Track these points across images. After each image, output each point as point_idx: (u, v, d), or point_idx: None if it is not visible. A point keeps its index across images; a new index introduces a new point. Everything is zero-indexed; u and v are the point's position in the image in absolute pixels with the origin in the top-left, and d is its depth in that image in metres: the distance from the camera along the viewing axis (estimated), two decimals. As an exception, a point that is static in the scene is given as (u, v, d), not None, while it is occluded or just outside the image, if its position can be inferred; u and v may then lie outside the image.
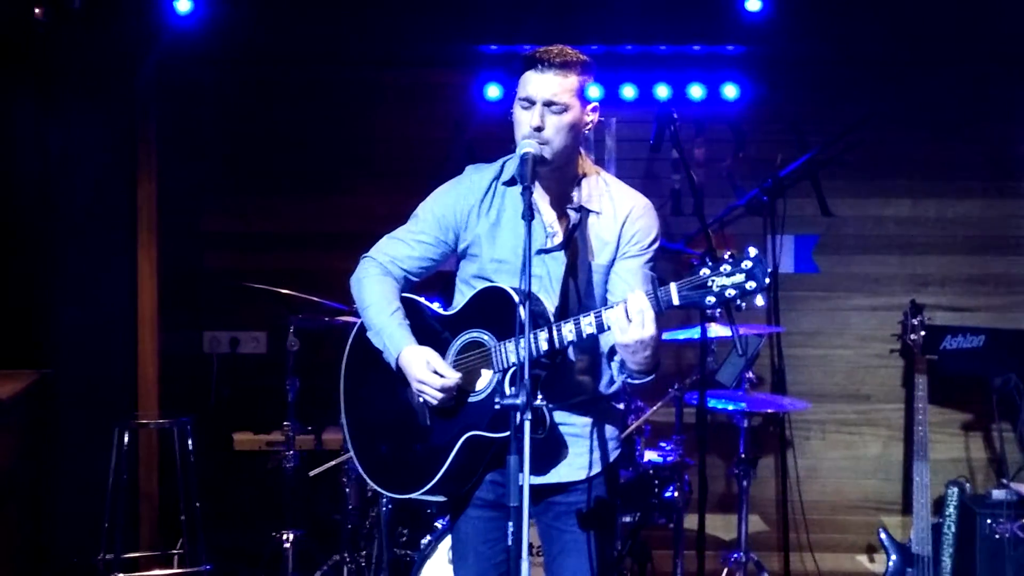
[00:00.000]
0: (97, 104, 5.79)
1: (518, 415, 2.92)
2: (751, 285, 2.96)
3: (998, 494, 5.56)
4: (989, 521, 5.46)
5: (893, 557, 5.54)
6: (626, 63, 6.22)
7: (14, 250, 5.81)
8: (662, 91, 6.19)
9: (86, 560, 5.47)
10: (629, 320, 3.03)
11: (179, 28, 5.73)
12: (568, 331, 3.17)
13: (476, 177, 3.50)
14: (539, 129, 3.25)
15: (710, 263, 2.99)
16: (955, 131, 6.28)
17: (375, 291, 3.51)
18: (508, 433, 2.96)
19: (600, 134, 6.26)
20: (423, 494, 3.43)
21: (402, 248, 3.54)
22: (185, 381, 6.25)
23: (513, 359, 3.23)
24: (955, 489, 5.56)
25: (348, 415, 3.69)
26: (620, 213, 3.39)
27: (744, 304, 3.02)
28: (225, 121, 6.36)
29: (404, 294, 3.55)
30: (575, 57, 3.30)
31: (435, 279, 3.73)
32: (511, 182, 3.43)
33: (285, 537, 5.43)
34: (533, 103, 3.27)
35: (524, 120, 3.28)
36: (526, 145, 3.23)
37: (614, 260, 3.39)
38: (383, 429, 3.57)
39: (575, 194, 3.40)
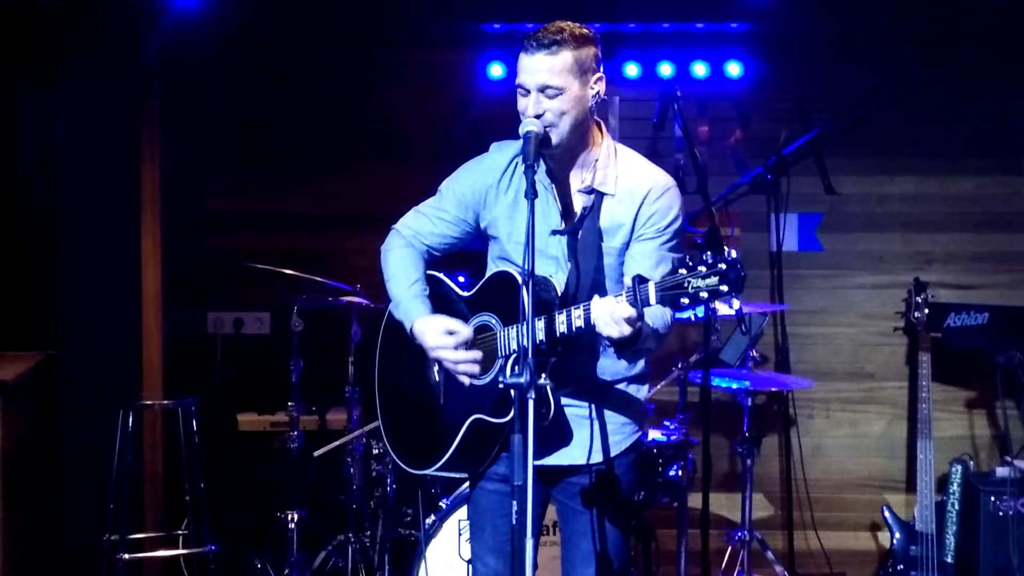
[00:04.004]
0: (100, 85, 5.76)
1: (523, 394, 2.92)
2: (724, 288, 2.90)
3: (1002, 472, 5.57)
4: (993, 499, 5.47)
5: (897, 535, 5.56)
6: (629, 41, 6.19)
7: (18, 232, 5.79)
8: (665, 69, 6.17)
9: (92, 541, 5.48)
10: (610, 317, 3.02)
11: (182, 9, 5.71)
12: (561, 323, 3.16)
13: (497, 156, 3.47)
14: (539, 116, 3.22)
15: (689, 262, 2.95)
16: (959, 108, 6.26)
17: (396, 263, 3.55)
18: (508, 418, 2.97)
19: (603, 113, 6.23)
20: (437, 471, 3.47)
21: (424, 223, 3.56)
22: (189, 362, 6.26)
23: (514, 345, 3.24)
24: (959, 467, 5.57)
25: (381, 391, 3.76)
26: (637, 194, 3.34)
27: (715, 306, 3.03)
28: (228, 102, 6.35)
29: (430, 272, 3.58)
30: (569, 33, 3.22)
31: (467, 255, 3.74)
32: None
33: (290, 517, 5.44)
34: (528, 91, 3.23)
35: (522, 107, 3.25)
36: (529, 124, 3.20)
37: (629, 242, 3.35)
38: (407, 406, 3.63)
39: (588, 175, 3.36)
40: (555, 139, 3.25)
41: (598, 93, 3.30)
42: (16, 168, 5.82)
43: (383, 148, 6.32)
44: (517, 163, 3.40)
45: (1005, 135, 6.29)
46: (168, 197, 5.97)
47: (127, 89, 5.85)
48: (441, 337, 3.33)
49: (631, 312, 2.98)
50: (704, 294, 2.92)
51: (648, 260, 3.31)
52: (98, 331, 5.77)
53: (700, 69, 6.19)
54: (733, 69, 6.19)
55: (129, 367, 5.85)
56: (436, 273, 3.61)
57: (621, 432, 3.47)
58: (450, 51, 6.29)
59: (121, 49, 5.78)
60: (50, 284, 5.77)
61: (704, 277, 2.92)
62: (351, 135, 6.37)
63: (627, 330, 3.00)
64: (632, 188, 3.35)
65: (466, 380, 3.35)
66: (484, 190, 3.44)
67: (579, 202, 3.38)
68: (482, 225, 3.50)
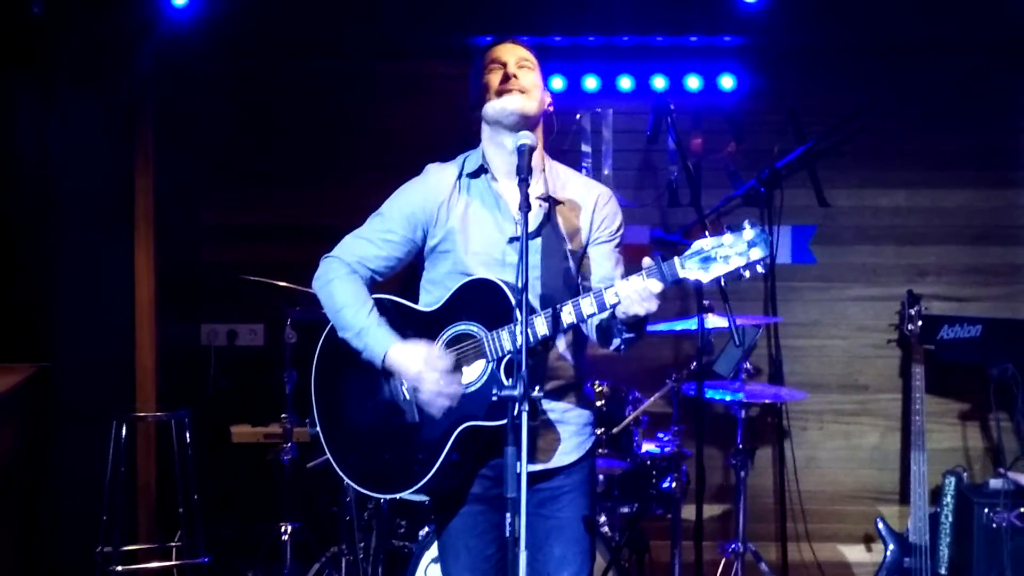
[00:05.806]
0: (94, 97, 5.77)
1: (516, 406, 2.94)
2: (754, 254, 3.08)
3: (995, 483, 5.57)
4: (986, 510, 5.47)
5: (891, 547, 5.56)
6: (623, 54, 6.21)
7: (12, 243, 5.80)
8: (659, 82, 6.19)
9: (85, 553, 5.47)
10: (639, 296, 3.13)
11: (175, 20, 5.72)
12: (567, 313, 3.22)
13: (441, 174, 3.54)
14: (513, 78, 3.36)
15: (707, 234, 3.13)
16: (953, 121, 6.29)
17: (347, 292, 3.49)
18: (505, 421, 2.98)
19: (597, 125, 6.27)
20: (414, 492, 3.40)
21: (369, 248, 3.53)
22: (183, 374, 6.25)
23: (508, 346, 3.25)
24: (952, 478, 5.57)
25: (323, 419, 3.61)
26: (587, 201, 3.50)
27: (747, 273, 3.10)
28: (222, 113, 6.35)
29: (376, 295, 3.52)
30: None
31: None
32: (476, 173, 3.48)
33: (283, 529, 5.43)
34: (504, 64, 3.39)
35: (495, 80, 3.39)
36: (523, 137, 3.24)
37: (586, 245, 3.49)
38: (364, 430, 3.51)
39: (539, 184, 3.45)
40: (532, 108, 3.37)
41: (549, 105, 3.49)
42: (11, 179, 5.82)
43: (377, 160, 6.31)
44: (462, 180, 3.50)
45: (998, 148, 6.31)
46: (162, 208, 5.98)
47: (121, 101, 5.86)
48: (425, 365, 3.30)
49: (661, 286, 3.13)
50: (737, 259, 3.09)
51: (609, 261, 3.49)
52: (92, 343, 5.77)
53: (693, 82, 6.22)
54: (726, 82, 6.21)
55: (123, 379, 5.85)
56: (385, 296, 3.54)
57: (583, 432, 3.52)
58: (443, 63, 6.29)
59: (115, 60, 5.79)
60: (44, 296, 5.77)
61: (732, 245, 3.09)
62: (345, 146, 6.37)
63: (654, 306, 3.15)
64: (580, 195, 3.52)
65: (441, 409, 3.33)
66: (436, 207, 3.47)
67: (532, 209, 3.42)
68: (431, 243, 3.49)
